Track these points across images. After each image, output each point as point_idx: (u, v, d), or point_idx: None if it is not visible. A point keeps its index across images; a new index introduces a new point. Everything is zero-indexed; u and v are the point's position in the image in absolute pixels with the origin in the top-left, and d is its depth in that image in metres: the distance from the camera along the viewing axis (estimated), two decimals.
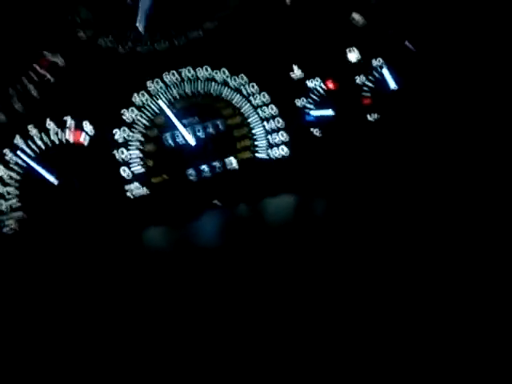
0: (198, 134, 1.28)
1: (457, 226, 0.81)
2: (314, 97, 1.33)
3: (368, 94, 1.34)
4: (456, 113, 1.27)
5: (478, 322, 0.59)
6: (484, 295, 0.63)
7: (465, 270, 0.68)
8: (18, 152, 1.23)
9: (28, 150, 1.23)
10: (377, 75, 1.34)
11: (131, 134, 1.27)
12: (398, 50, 1.33)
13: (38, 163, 1.22)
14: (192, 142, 1.26)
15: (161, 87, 1.29)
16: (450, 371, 0.55)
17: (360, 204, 1.07)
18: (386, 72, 1.33)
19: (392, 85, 1.33)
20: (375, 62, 1.34)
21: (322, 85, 1.33)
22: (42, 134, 1.24)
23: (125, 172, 1.26)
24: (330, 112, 1.33)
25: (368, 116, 1.33)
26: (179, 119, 1.27)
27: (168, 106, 1.27)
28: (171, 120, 1.27)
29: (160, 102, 1.27)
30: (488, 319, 0.59)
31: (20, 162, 1.23)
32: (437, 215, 0.88)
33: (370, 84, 1.34)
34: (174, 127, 1.27)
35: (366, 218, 0.97)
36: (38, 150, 1.24)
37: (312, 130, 1.32)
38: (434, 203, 0.94)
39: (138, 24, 1.28)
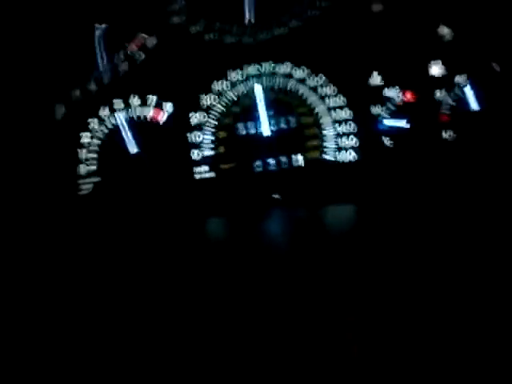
0: (271, 127, 1.31)
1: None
2: (390, 106, 1.32)
3: (447, 111, 1.31)
4: None
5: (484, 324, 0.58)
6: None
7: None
8: (116, 114, 1.31)
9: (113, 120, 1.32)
10: (458, 93, 1.31)
11: (207, 118, 1.32)
12: (484, 69, 1.29)
13: (121, 133, 1.30)
14: (267, 132, 1.29)
15: (241, 77, 1.34)
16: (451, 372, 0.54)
17: (421, 221, 1.05)
18: (468, 90, 1.30)
19: (473, 105, 1.29)
20: (458, 79, 1.31)
21: (400, 95, 1.32)
22: (126, 108, 1.33)
23: (196, 154, 1.31)
24: (404, 123, 1.31)
25: (443, 133, 1.30)
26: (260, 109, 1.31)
27: (261, 93, 1.31)
28: (256, 106, 1.31)
29: (256, 85, 1.31)
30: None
31: (104, 129, 1.32)
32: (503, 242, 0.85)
33: (450, 101, 1.31)
34: (252, 116, 1.31)
35: (420, 238, 0.96)
36: (120, 121, 1.32)
37: (383, 138, 1.31)
38: (499, 229, 0.91)
39: (246, 14, 1.33)
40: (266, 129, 1.31)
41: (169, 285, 0.87)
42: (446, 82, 1.31)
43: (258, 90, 1.31)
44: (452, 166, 1.26)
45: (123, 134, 1.31)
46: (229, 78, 1.34)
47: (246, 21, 1.36)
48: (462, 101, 1.31)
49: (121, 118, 1.31)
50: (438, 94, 1.31)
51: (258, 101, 1.31)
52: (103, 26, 1.37)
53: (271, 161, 1.32)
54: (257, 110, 1.32)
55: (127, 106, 1.33)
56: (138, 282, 0.88)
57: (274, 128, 1.32)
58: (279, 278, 0.84)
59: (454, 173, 1.24)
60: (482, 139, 1.27)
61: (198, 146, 1.32)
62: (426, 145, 1.30)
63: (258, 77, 1.33)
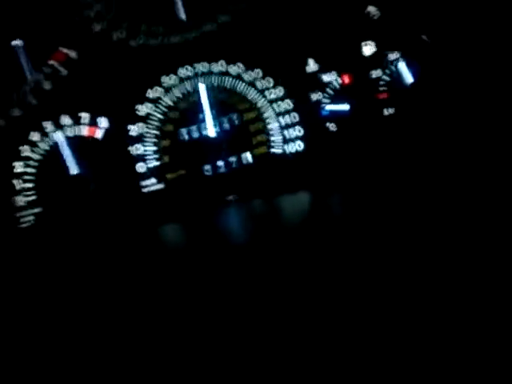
0: (215, 128, 1.28)
1: (464, 225, 0.81)
2: (330, 91, 1.32)
3: (384, 89, 1.32)
4: (471, 108, 1.27)
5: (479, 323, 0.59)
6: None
7: (469, 271, 0.68)
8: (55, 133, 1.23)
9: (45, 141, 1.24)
10: (393, 69, 1.33)
11: (146, 129, 1.27)
12: (415, 43, 1.31)
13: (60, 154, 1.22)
14: (212, 134, 1.26)
15: (175, 81, 1.28)
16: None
17: (373, 201, 1.07)
18: (402, 66, 1.32)
19: (408, 79, 1.32)
20: (391, 56, 1.33)
21: (338, 79, 1.32)
22: (54, 127, 1.24)
23: (141, 167, 1.26)
24: (345, 107, 1.32)
25: (384, 111, 1.32)
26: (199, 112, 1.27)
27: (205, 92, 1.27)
28: (198, 107, 1.27)
29: (200, 85, 1.27)
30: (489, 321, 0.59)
31: (36, 156, 1.23)
32: (447, 213, 0.88)
33: (386, 78, 1.33)
34: (193, 119, 1.26)
35: (378, 215, 0.97)
36: (60, 141, 1.24)
37: (327, 124, 1.32)
38: (445, 200, 0.94)
39: (178, 13, 1.27)
40: (211, 130, 1.27)
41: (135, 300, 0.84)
42: (379, 60, 1.33)
43: (202, 89, 1.27)
44: (395, 142, 1.29)
45: (62, 155, 1.23)
46: (162, 83, 1.28)
47: (180, 18, 1.29)
48: (397, 77, 1.33)
49: (60, 137, 1.22)
50: (374, 73, 1.33)
51: (202, 101, 1.27)
52: (19, 42, 1.27)
53: (220, 163, 1.29)
54: (199, 112, 1.28)
55: (59, 127, 1.25)
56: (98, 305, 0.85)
57: (218, 129, 1.28)
58: (242, 274, 0.83)
59: (398, 148, 1.27)
60: (420, 111, 1.31)
61: (141, 158, 1.26)
62: (369, 124, 1.32)
63: (194, 78, 1.29)
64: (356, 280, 0.75)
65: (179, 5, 1.29)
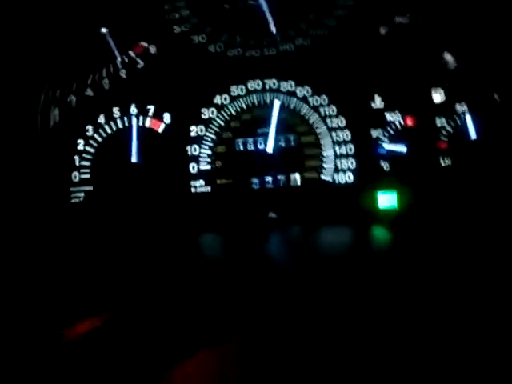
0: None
1: None
2: (390, 130, 1.32)
3: (445, 139, 1.31)
4: None
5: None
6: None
7: None
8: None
9: (108, 128, 1.29)
10: (458, 121, 1.32)
11: (206, 132, 1.31)
12: (485, 99, 1.30)
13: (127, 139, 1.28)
14: (270, 150, 1.28)
15: (243, 92, 1.32)
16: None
17: (417, 246, 1.05)
18: (468, 119, 1.31)
19: (472, 133, 1.30)
20: (459, 108, 1.32)
21: (401, 120, 1.32)
22: (124, 117, 1.30)
23: (193, 168, 1.29)
24: (403, 148, 1.31)
25: (441, 160, 1.31)
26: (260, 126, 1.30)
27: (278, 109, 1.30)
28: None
29: (276, 101, 1.30)
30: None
31: (99, 137, 1.29)
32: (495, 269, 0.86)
33: (450, 128, 1.32)
34: (252, 132, 1.30)
35: (419, 263, 0.96)
36: (116, 130, 1.29)
37: (381, 162, 1.32)
38: (493, 258, 0.92)
39: (270, 26, 1.32)
40: (270, 146, 1.29)
41: (160, 297, 0.86)
42: (446, 109, 1.32)
43: (277, 106, 1.29)
44: (448, 193, 1.27)
45: (129, 142, 1.28)
46: (231, 92, 1.32)
47: (271, 30, 1.34)
48: (462, 129, 1.31)
49: (133, 125, 1.28)
50: (439, 121, 1.32)
51: (272, 117, 1.29)
52: (106, 29, 1.34)
53: (269, 178, 1.31)
54: (260, 126, 1.31)
55: (126, 114, 1.30)
56: (129, 295, 0.87)
57: (274, 146, 1.31)
58: (277, 298, 0.84)
59: (450, 200, 1.26)
60: (479, 168, 1.29)
61: (195, 159, 1.30)
62: (423, 170, 1.31)
63: (261, 92, 1.32)
64: (391, 320, 0.74)
65: (269, 18, 1.33)
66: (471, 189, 1.26)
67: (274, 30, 1.33)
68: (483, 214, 1.15)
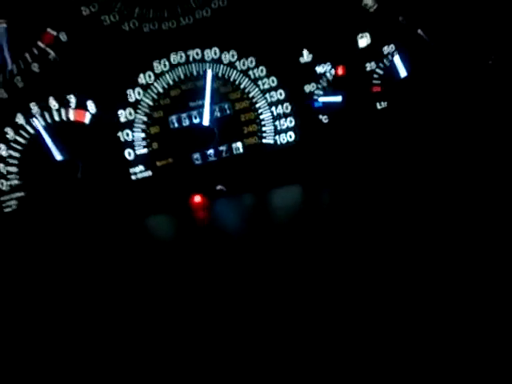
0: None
1: (456, 222, 0.80)
2: (323, 83, 1.31)
3: (378, 82, 1.31)
4: (464, 103, 1.26)
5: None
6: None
7: (460, 270, 0.67)
8: (33, 120, 1.20)
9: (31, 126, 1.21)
10: (387, 63, 1.32)
11: (136, 115, 1.24)
12: (411, 37, 1.30)
13: (42, 139, 1.19)
14: (207, 122, 1.24)
15: (166, 67, 1.26)
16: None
17: (364, 194, 1.06)
18: (397, 59, 1.31)
19: (402, 73, 1.31)
20: (386, 49, 1.32)
21: (332, 71, 1.31)
22: (44, 112, 1.21)
23: (129, 154, 1.23)
24: (338, 99, 1.30)
25: (377, 104, 1.31)
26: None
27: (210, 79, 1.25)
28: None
29: (208, 71, 1.24)
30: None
31: (21, 139, 1.20)
32: (437, 209, 0.87)
33: (380, 71, 1.32)
34: (184, 107, 1.25)
35: (368, 209, 0.96)
36: (39, 128, 1.21)
37: (320, 116, 1.30)
38: (435, 196, 0.94)
39: None
40: (206, 119, 1.25)
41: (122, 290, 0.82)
42: (374, 53, 1.32)
43: (209, 76, 1.24)
44: (388, 135, 1.28)
45: (45, 140, 1.20)
46: (154, 68, 1.26)
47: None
48: (392, 70, 1.32)
49: (38, 123, 1.19)
50: (369, 65, 1.32)
51: (206, 88, 1.24)
52: (3, 23, 1.23)
53: (210, 151, 1.27)
54: (191, 100, 1.26)
55: (45, 109, 1.22)
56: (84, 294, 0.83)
57: (210, 117, 1.26)
58: (228, 268, 0.82)
59: (390, 141, 1.26)
60: (413, 105, 1.30)
61: (129, 144, 1.24)
62: (362, 117, 1.31)
63: (186, 64, 1.27)
64: (343, 275, 0.73)
65: None
66: (408, 128, 1.27)
67: None
68: (420, 151, 1.17)
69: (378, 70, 1.32)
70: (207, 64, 1.27)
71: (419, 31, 1.30)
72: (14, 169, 1.20)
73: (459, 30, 1.26)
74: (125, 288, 0.83)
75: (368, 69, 1.31)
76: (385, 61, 1.32)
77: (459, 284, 0.64)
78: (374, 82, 1.31)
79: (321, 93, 1.30)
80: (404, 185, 1.04)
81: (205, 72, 1.26)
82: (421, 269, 0.70)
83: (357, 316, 0.63)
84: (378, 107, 1.31)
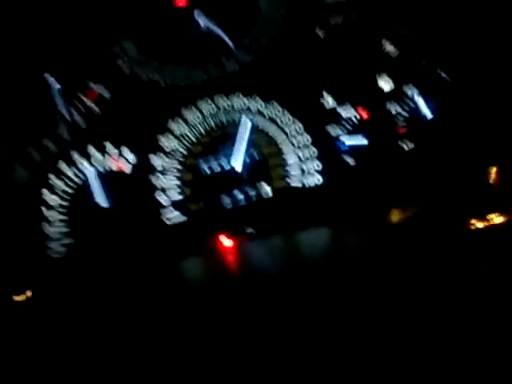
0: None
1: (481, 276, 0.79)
2: (348, 126, 1.34)
3: (403, 124, 1.33)
4: (491, 141, 1.25)
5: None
6: None
7: None
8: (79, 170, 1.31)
9: (77, 175, 1.32)
10: (412, 104, 1.34)
11: (170, 163, 1.33)
12: (433, 79, 1.32)
13: (88, 188, 1.30)
14: (239, 168, 1.30)
15: (199, 117, 1.34)
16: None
17: (391, 236, 1.06)
18: (421, 101, 1.33)
19: (428, 114, 1.32)
20: (410, 92, 1.34)
21: (355, 113, 1.34)
22: (89, 163, 1.32)
23: (165, 201, 1.31)
24: (364, 141, 1.33)
25: (403, 145, 1.32)
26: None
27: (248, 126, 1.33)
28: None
29: (243, 117, 1.32)
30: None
31: (68, 189, 1.31)
32: (466, 256, 0.87)
33: (405, 113, 1.34)
34: (216, 153, 1.32)
35: (395, 253, 0.97)
36: (83, 177, 1.31)
37: (346, 158, 1.33)
38: (464, 241, 0.93)
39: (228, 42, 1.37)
40: (239, 164, 1.31)
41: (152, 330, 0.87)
42: (396, 94, 1.34)
43: (245, 124, 1.32)
44: (415, 176, 1.29)
45: (92, 188, 1.30)
46: (185, 118, 1.34)
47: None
48: (416, 111, 1.33)
49: (90, 172, 1.30)
50: (392, 107, 1.34)
51: (242, 136, 1.31)
52: (53, 78, 1.36)
53: (240, 196, 1.33)
54: (222, 147, 1.33)
55: (89, 160, 1.32)
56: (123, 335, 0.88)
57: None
58: (270, 309, 0.85)
59: (417, 182, 1.27)
60: (440, 145, 1.30)
61: (164, 191, 1.32)
62: (388, 158, 1.33)
63: (215, 114, 1.34)
64: (368, 319, 0.75)
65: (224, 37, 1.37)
66: (437, 166, 1.27)
67: (232, 45, 1.37)
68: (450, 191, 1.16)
69: (402, 112, 1.34)
70: (237, 113, 1.34)
71: (442, 73, 1.31)
72: (62, 217, 1.30)
73: (482, 69, 1.26)
74: (160, 329, 0.88)
75: (392, 111, 1.34)
76: (409, 103, 1.34)
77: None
78: (400, 123, 1.33)
79: (346, 136, 1.34)
80: (432, 226, 1.04)
81: (234, 120, 1.33)
82: (454, 317, 0.70)
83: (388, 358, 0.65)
84: (406, 148, 1.33)
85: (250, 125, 1.32)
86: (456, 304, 0.73)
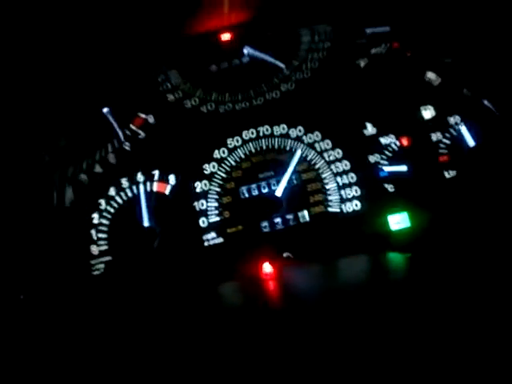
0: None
1: None
2: (388, 153, 1.34)
3: (445, 151, 1.32)
4: None
5: None
6: None
7: None
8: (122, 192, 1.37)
9: (120, 197, 1.36)
10: (454, 132, 1.33)
11: (210, 186, 1.36)
12: (476, 108, 1.32)
13: (130, 208, 1.34)
14: (280, 193, 1.32)
15: (239, 143, 1.38)
16: None
17: (434, 265, 1.03)
18: (463, 129, 1.32)
19: (470, 142, 1.31)
20: (452, 120, 1.34)
21: (396, 141, 1.35)
22: (132, 185, 1.37)
23: (203, 222, 1.33)
24: (403, 168, 1.32)
25: (445, 173, 1.31)
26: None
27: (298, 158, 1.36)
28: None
29: (298, 151, 1.36)
30: None
31: (111, 209, 1.36)
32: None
33: (447, 141, 1.33)
34: (254, 178, 1.36)
35: (439, 281, 0.94)
36: (126, 199, 1.36)
37: (385, 185, 1.32)
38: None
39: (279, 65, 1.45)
40: (281, 190, 1.33)
41: (188, 355, 0.86)
42: (439, 123, 1.34)
43: (298, 155, 1.35)
44: (458, 204, 1.26)
45: (138, 207, 1.35)
46: (228, 144, 1.38)
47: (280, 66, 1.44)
48: (459, 139, 1.32)
49: (141, 190, 1.35)
50: (434, 136, 1.34)
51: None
52: (107, 109, 1.45)
53: (278, 220, 1.33)
54: (263, 171, 1.36)
55: (134, 183, 1.37)
56: (156, 355, 0.88)
57: (277, 188, 1.34)
58: (306, 336, 0.83)
59: (461, 211, 1.24)
60: (483, 174, 1.28)
61: (203, 213, 1.34)
62: (429, 186, 1.31)
63: (256, 140, 1.38)
64: (408, 346, 0.72)
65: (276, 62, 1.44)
66: (480, 196, 1.24)
67: (282, 65, 1.45)
68: (496, 221, 1.13)
69: (444, 140, 1.33)
70: (276, 138, 1.37)
71: (485, 102, 1.31)
72: (104, 235, 1.35)
73: None
74: (194, 352, 0.88)
75: (434, 139, 1.33)
76: (451, 131, 1.33)
77: None
78: (441, 151, 1.32)
79: (386, 163, 1.34)
80: (476, 256, 1.01)
81: (273, 146, 1.37)
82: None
83: None
84: (447, 176, 1.31)
85: (299, 154, 1.35)
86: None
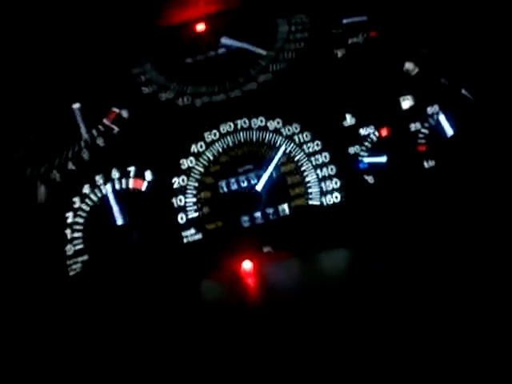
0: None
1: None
2: (367, 144, 1.33)
3: (423, 141, 1.32)
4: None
5: None
6: None
7: None
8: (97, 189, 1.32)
9: (95, 195, 1.32)
10: (432, 122, 1.32)
11: (188, 181, 1.33)
12: (455, 97, 1.31)
13: (105, 206, 1.30)
14: (260, 188, 1.30)
15: (216, 136, 1.35)
16: None
17: (411, 255, 1.04)
18: (442, 119, 1.31)
19: (449, 131, 1.31)
20: (430, 110, 1.33)
21: (376, 132, 1.33)
22: (107, 182, 1.33)
23: (182, 219, 1.30)
24: (383, 159, 1.32)
25: (424, 163, 1.30)
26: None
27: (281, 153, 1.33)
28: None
29: (282, 147, 1.33)
30: None
31: (86, 207, 1.32)
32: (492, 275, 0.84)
33: (426, 131, 1.32)
34: (233, 172, 1.33)
35: (415, 271, 0.94)
36: (107, 193, 1.32)
37: (365, 177, 1.31)
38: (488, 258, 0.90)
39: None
40: (262, 184, 1.30)
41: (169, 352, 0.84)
42: (418, 113, 1.33)
43: (281, 151, 1.32)
44: (437, 194, 1.26)
45: (110, 206, 1.31)
46: (205, 139, 1.35)
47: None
48: (438, 129, 1.32)
49: (108, 189, 1.31)
50: (413, 126, 1.33)
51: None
52: (77, 105, 1.40)
53: (258, 214, 1.31)
54: (242, 165, 1.33)
55: (108, 180, 1.33)
56: (136, 353, 0.86)
57: (256, 181, 1.31)
58: (277, 331, 0.82)
59: (440, 200, 1.24)
60: (462, 164, 1.28)
61: (182, 209, 1.31)
62: (408, 176, 1.31)
63: (234, 133, 1.35)
64: (392, 337, 0.72)
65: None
66: (459, 185, 1.24)
67: (264, 52, 1.42)
68: (475, 210, 1.14)
69: (423, 130, 1.32)
70: (254, 131, 1.35)
71: (463, 91, 1.31)
72: (79, 234, 1.30)
73: (504, 87, 1.25)
74: (174, 349, 0.86)
75: (413, 129, 1.33)
76: (430, 120, 1.33)
77: None
78: (420, 141, 1.32)
79: (365, 154, 1.32)
80: (453, 246, 1.01)
81: (252, 139, 1.34)
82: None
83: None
84: (426, 166, 1.30)
85: (282, 150, 1.33)
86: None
